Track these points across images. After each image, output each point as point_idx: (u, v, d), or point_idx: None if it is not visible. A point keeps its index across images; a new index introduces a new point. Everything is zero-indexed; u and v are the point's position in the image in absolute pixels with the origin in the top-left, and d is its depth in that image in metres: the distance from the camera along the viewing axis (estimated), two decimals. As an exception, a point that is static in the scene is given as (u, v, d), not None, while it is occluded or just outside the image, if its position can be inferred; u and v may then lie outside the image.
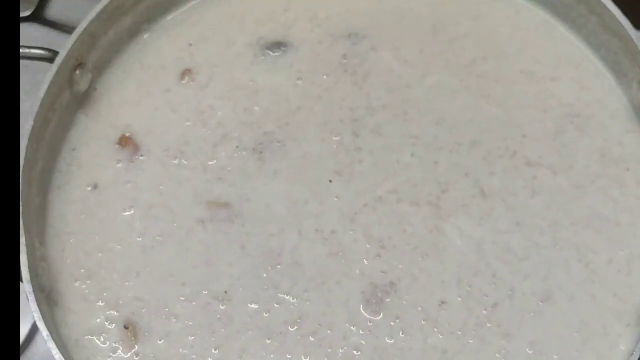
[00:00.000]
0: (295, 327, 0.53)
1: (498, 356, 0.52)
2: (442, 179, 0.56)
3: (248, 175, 0.56)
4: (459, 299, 0.53)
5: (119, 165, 0.57)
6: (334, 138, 0.57)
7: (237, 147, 0.57)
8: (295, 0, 0.62)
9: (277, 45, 0.60)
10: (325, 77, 0.59)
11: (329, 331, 0.52)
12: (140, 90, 0.60)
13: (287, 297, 0.53)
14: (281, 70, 0.60)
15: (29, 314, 0.50)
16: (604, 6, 0.56)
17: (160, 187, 0.56)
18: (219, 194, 0.56)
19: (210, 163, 0.57)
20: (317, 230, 0.55)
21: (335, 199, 0.56)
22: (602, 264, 0.54)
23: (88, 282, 0.54)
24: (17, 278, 0.48)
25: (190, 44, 0.61)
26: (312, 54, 0.60)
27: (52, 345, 0.49)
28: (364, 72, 0.59)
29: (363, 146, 0.57)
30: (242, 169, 0.56)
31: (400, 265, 0.54)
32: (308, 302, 0.53)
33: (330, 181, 0.56)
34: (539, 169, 0.56)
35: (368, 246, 0.54)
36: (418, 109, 0.58)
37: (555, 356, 0.52)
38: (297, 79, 0.59)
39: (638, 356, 0.49)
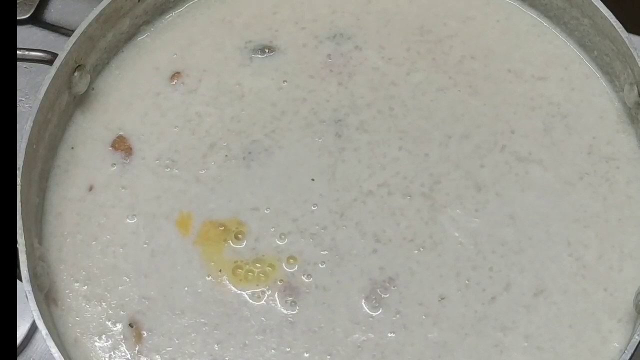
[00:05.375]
0: (297, 326, 0.51)
1: (495, 349, 0.50)
2: (433, 171, 0.55)
3: (238, 185, 0.55)
4: (459, 293, 0.51)
5: (113, 168, 0.56)
6: (317, 140, 0.56)
7: (226, 156, 0.55)
8: (283, 3, 0.61)
9: (264, 48, 0.59)
10: (310, 78, 0.58)
11: (331, 330, 0.51)
12: (133, 93, 0.58)
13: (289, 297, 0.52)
14: (267, 73, 0.58)
15: (28, 313, 0.48)
16: (597, 9, 0.55)
17: (159, 198, 0.55)
18: (214, 207, 0.54)
19: (201, 172, 0.55)
20: (309, 229, 0.53)
21: (320, 196, 0.54)
22: (593, 259, 0.52)
23: (88, 282, 0.53)
24: (16, 277, 0.47)
25: (182, 47, 0.59)
26: (297, 56, 0.59)
27: (51, 344, 0.47)
28: (348, 71, 0.58)
29: (347, 145, 0.56)
30: (233, 179, 0.55)
31: (397, 260, 0.52)
32: (309, 302, 0.51)
33: (312, 180, 0.54)
34: (529, 164, 0.55)
35: (363, 241, 0.53)
36: (404, 105, 0.57)
37: (551, 350, 0.50)
38: (283, 82, 0.58)
39: (630, 354, 0.47)
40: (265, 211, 0.54)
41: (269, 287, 0.52)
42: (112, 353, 0.51)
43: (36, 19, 0.69)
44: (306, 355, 0.50)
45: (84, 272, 0.53)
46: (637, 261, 0.52)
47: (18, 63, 0.63)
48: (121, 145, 0.56)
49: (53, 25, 0.69)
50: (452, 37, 0.59)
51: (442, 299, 0.51)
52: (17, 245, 0.49)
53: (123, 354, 0.51)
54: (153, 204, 0.54)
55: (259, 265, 0.52)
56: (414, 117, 0.56)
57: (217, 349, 0.51)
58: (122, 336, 0.51)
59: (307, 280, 0.52)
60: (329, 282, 0.52)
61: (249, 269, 0.52)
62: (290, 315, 0.51)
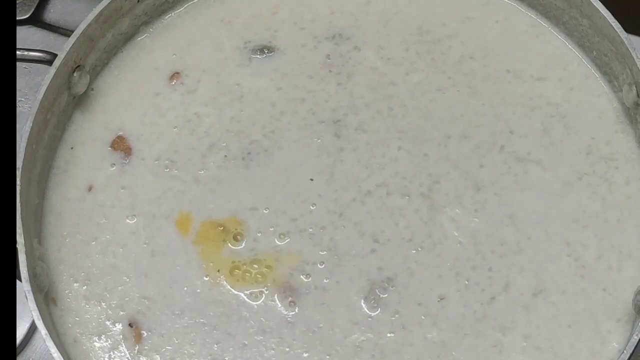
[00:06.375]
0: (297, 326, 0.51)
1: (494, 349, 0.50)
2: (432, 171, 0.54)
3: (237, 185, 0.55)
4: (458, 293, 0.51)
5: (112, 169, 0.55)
6: (316, 141, 0.56)
7: (225, 156, 0.55)
8: (282, 3, 0.60)
9: (263, 49, 0.59)
10: (309, 79, 0.58)
11: (330, 330, 0.51)
12: (133, 93, 0.58)
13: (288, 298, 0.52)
14: (266, 74, 0.58)
15: (28, 313, 0.48)
16: (596, 9, 0.55)
17: (159, 198, 0.54)
18: (213, 207, 0.54)
19: (200, 173, 0.55)
20: (308, 229, 0.53)
21: (319, 196, 0.54)
22: (592, 259, 0.52)
23: (88, 282, 0.52)
24: (16, 277, 0.47)
25: (181, 48, 0.59)
26: (296, 56, 0.59)
27: (50, 344, 0.47)
28: (347, 71, 0.58)
29: (345, 145, 0.55)
30: (232, 179, 0.55)
31: (396, 260, 0.52)
32: (308, 302, 0.51)
33: (311, 180, 0.54)
34: (528, 164, 0.55)
35: (361, 241, 0.53)
36: (403, 105, 0.57)
37: (550, 350, 0.50)
38: (281, 82, 0.58)
39: (629, 354, 0.47)
40: (264, 211, 0.54)
41: (267, 287, 0.52)
42: (111, 353, 0.51)
43: (36, 19, 0.69)
44: (305, 355, 0.50)
45: (83, 272, 0.52)
46: (636, 261, 0.52)
47: (17, 63, 0.63)
48: (120, 146, 0.56)
49: (52, 25, 0.69)
50: (451, 38, 0.59)
51: (441, 299, 0.51)
52: (17, 245, 0.48)
53: (123, 354, 0.51)
54: (153, 204, 0.54)
55: (256, 265, 0.52)
56: (413, 117, 0.56)
57: (216, 349, 0.51)
58: (121, 336, 0.51)
59: (306, 281, 0.52)
60: (328, 283, 0.52)
61: (247, 269, 0.52)
62: (290, 316, 0.51)
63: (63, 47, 0.54)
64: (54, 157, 0.55)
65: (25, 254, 0.49)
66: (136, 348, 0.51)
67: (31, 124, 0.51)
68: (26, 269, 0.48)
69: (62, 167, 0.55)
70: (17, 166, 0.50)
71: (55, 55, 0.54)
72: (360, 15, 0.60)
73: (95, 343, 0.51)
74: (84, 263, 0.53)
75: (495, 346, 0.50)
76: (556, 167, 0.55)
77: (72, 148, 0.56)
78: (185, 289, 0.52)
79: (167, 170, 0.55)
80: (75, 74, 0.55)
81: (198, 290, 0.52)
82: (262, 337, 0.51)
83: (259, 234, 0.53)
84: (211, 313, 0.51)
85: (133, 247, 0.53)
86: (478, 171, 0.54)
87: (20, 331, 0.57)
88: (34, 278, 0.49)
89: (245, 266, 0.52)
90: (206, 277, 0.52)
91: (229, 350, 0.50)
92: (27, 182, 0.51)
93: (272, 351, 0.50)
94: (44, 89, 0.52)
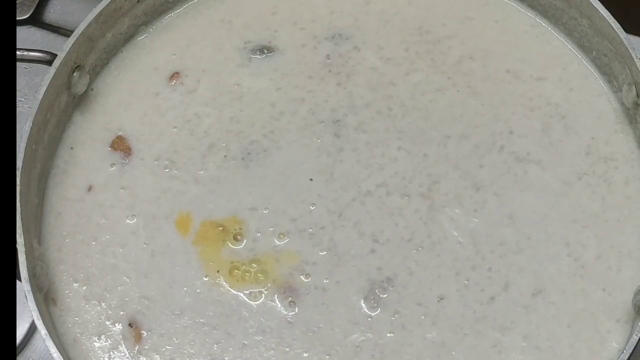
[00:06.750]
0: (297, 326, 0.51)
1: (494, 349, 0.50)
2: (432, 171, 0.54)
3: (237, 185, 0.55)
4: (457, 293, 0.51)
5: (112, 169, 0.55)
6: (315, 140, 0.56)
7: (225, 156, 0.55)
8: (282, 3, 0.60)
9: (263, 49, 0.59)
10: (309, 79, 0.58)
11: (330, 330, 0.51)
12: (132, 93, 0.58)
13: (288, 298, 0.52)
14: (266, 74, 0.58)
15: (28, 313, 0.48)
16: (595, 10, 0.55)
17: (158, 199, 0.54)
18: (212, 207, 0.54)
19: (200, 173, 0.55)
20: (307, 229, 0.53)
21: (319, 196, 0.54)
22: (591, 259, 0.52)
23: (87, 282, 0.52)
24: (16, 277, 0.47)
25: (181, 48, 0.59)
26: (296, 56, 0.59)
27: (50, 344, 0.47)
28: (347, 71, 0.58)
29: (345, 145, 0.55)
30: (231, 179, 0.55)
31: (395, 260, 0.52)
32: (308, 302, 0.51)
33: (311, 180, 0.54)
34: (527, 164, 0.55)
35: (361, 241, 0.53)
36: (403, 105, 0.57)
37: (549, 350, 0.50)
38: (281, 82, 0.58)
39: (629, 354, 0.47)
40: (264, 211, 0.54)
41: (266, 287, 0.52)
42: (111, 353, 0.51)
43: (35, 20, 0.69)
44: (305, 355, 0.50)
45: (83, 272, 0.52)
46: (636, 261, 0.52)
47: (17, 63, 0.63)
48: (120, 146, 0.56)
49: (52, 25, 0.69)
50: (450, 38, 0.59)
51: (441, 299, 0.51)
52: (17, 245, 0.48)
53: (122, 354, 0.51)
54: (152, 204, 0.54)
55: (255, 265, 0.52)
56: (412, 117, 0.56)
57: (216, 349, 0.50)
58: (121, 336, 0.51)
59: (305, 281, 0.52)
60: (327, 283, 0.52)
61: (246, 270, 0.52)
62: (290, 316, 0.51)
63: (63, 47, 0.54)
64: (54, 157, 0.55)
65: (25, 254, 0.48)
66: (136, 348, 0.51)
67: (31, 124, 0.51)
68: (26, 269, 0.48)
69: (62, 167, 0.55)
70: (17, 166, 0.50)
71: (55, 55, 0.54)
72: (360, 15, 0.60)
73: (95, 343, 0.51)
74: (84, 263, 0.53)
75: (495, 346, 0.50)
76: (556, 167, 0.55)
77: (72, 148, 0.56)
78: (185, 289, 0.52)
79: (167, 170, 0.55)
80: (75, 74, 0.55)
81: (198, 290, 0.52)
82: (262, 337, 0.51)
83: (259, 234, 0.53)
84: (211, 313, 0.51)
85: (133, 247, 0.53)
86: (478, 171, 0.54)
87: (20, 331, 0.57)
88: (33, 278, 0.49)
89: (244, 266, 0.52)
90: (206, 277, 0.52)
91: (228, 350, 0.50)
92: (27, 182, 0.51)
93: (272, 351, 0.50)
94: (44, 89, 0.52)
